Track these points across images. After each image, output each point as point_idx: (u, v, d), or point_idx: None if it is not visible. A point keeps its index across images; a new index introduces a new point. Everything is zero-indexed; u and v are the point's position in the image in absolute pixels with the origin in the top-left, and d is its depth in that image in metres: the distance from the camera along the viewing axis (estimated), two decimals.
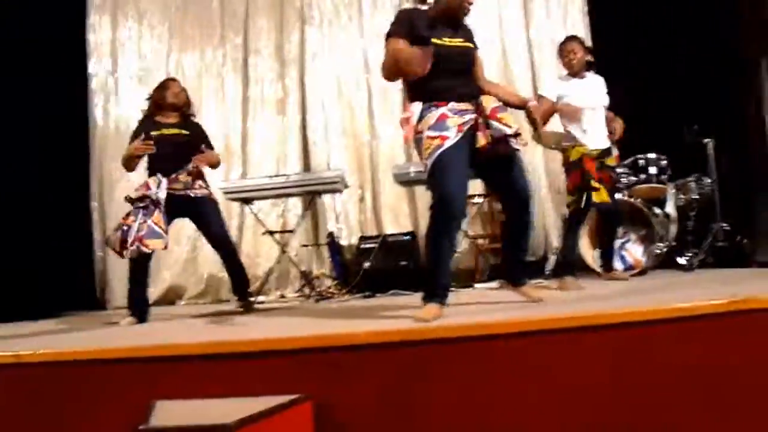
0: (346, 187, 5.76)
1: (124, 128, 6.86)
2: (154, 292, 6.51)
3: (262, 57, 6.86)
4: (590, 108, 4.42)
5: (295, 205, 6.52)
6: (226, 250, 4.43)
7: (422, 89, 3.00)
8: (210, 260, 6.44)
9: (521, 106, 3.20)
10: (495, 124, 2.94)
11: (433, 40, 2.90)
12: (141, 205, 3.96)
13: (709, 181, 5.19)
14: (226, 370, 2.22)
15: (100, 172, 6.84)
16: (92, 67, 6.98)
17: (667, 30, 5.66)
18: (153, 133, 4.14)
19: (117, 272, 6.57)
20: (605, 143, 4.48)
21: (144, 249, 3.88)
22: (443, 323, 2.49)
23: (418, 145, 3.01)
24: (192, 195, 4.21)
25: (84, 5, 6.98)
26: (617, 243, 4.96)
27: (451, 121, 2.91)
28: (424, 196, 5.95)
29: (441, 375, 2.16)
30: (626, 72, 4.86)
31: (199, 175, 4.31)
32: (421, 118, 2.97)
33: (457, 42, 3.06)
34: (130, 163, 4.19)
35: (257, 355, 2.21)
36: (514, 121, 2.98)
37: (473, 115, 2.97)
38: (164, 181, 4.07)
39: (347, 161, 6.55)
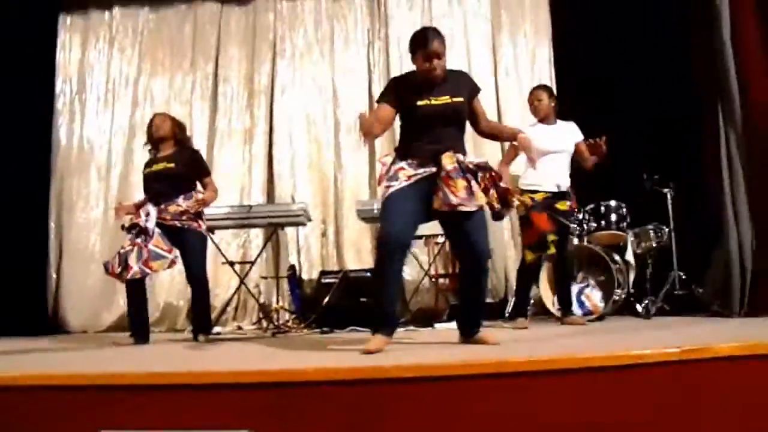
0: (309, 220, 5.73)
1: (88, 149, 6.80)
2: (108, 317, 6.39)
3: (232, 86, 6.85)
4: (552, 152, 4.57)
5: (257, 236, 6.46)
6: (198, 286, 4.51)
7: (400, 144, 3.34)
8: (166, 288, 6.36)
9: (512, 137, 3.47)
10: (445, 190, 3.08)
11: (418, 102, 3.19)
12: (135, 231, 4.23)
13: (667, 229, 5.29)
14: (170, 402, 2.15)
15: (60, 192, 6.72)
16: (59, 86, 6.89)
17: (630, 80, 5.82)
18: (145, 171, 4.57)
19: (71, 296, 6.45)
20: (559, 188, 4.62)
21: (147, 270, 4.14)
22: (395, 363, 2.45)
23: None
24: (179, 225, 4.37)
25: (55, 23, 6.92)
26: (576, 288, 5.02)
27: (403, 173, 3.16)
28: None
29: (392, 415, 2.13)
30: (589, 119, 4.96)
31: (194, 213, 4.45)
32: (387, 171, 3.24)
33: (442, 100, 3.21)
34: None
35: (202, 387, 2.15)
36: (465, 188, 3.08)
37: (430, 170, 3.16)
38: (153, 211, 4.29)
39: (311, 195, 6.53)
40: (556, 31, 6.60)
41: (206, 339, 4.45)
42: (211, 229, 5.56)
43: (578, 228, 5.13)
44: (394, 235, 3.05)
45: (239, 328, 6.09)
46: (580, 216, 5.13)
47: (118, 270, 4.14)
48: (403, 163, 3.19)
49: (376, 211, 5.37)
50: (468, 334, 3.32)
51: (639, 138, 5.59)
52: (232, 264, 5.59)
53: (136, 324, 4.38)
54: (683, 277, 5.17)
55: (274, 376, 2.17)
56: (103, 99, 6.89)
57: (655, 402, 2.18)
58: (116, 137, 6.79)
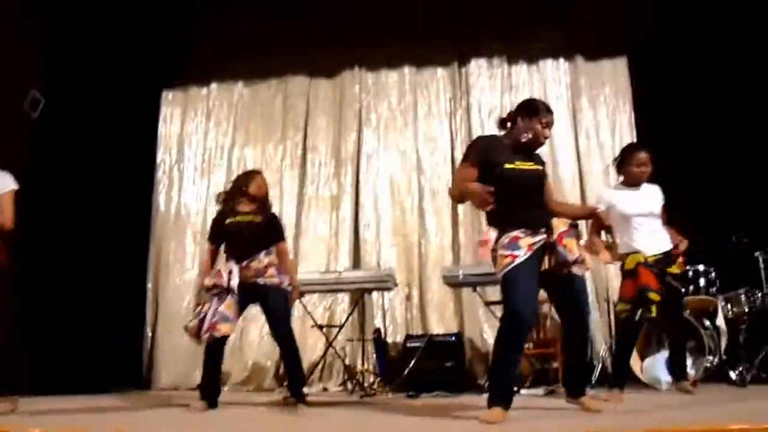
0: (396, 285, 5.85)
1: (185, 215, 7.21)
2: (199, 375, 6.60)
3: (320, 154, 7.17)
4: (642, 215, 4.32)
5: (343, 299, 6.62)
6: (284, 342, 4.34)
7: (499, 216, 3.23)
8: (255, 348, 6.55)
9: (589, 215, 3.64)
10: (560, 249, 3.17)
11: (506, 165, 3.22)
12: (215, 292, 4.16)
13: (761, 294, 5.15)
14: None
15: (158, 255, 7.16)
16: (160, 156, 7.41)
17: (715, 141, 5.75)
18: (228, 220, 4.40)
19: (165, 353, 6.75)
20: (665, 247, 4.30)
21: (215, 334, 4.06)
22: None
23: (494, 262, 3.22)
24: (261, 283, 4.26)
25: (158, 98, 7.50)
26: (665, 354, 4.92)
27: (523, 242, 3.13)
28: (470, 296, 6.09)
29: None
30: (674, 182, 4.88)
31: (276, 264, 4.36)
32: (497, 240, 3.19)
33: (528, 165, 3.30)
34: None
35: None
36: (577, 247, 3.19)
37: (544, 236, 3.19)
38: (235, 269, 4.20)
39: (396, 259, 6.69)
40: (637, 94, 6.65)
41: (303, 406, 4.21)
42: (301, 294, 5.75)
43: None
44: (525, 314, 3.05)
45: (325, 389, 6.22)
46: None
47: (195, 334, 4.14)
48: (517, 232, 3.15)
49: (461, 277, 5.47)
50: (574, 395, 3.38)
51: (726, 199, 5.50)
52: (321, 327, 5.75)
53: (209, 386, 4.25)
54: None
55: None
56: (199, 168, 7.35)
57: None
58: (211, 204, 7.10)
